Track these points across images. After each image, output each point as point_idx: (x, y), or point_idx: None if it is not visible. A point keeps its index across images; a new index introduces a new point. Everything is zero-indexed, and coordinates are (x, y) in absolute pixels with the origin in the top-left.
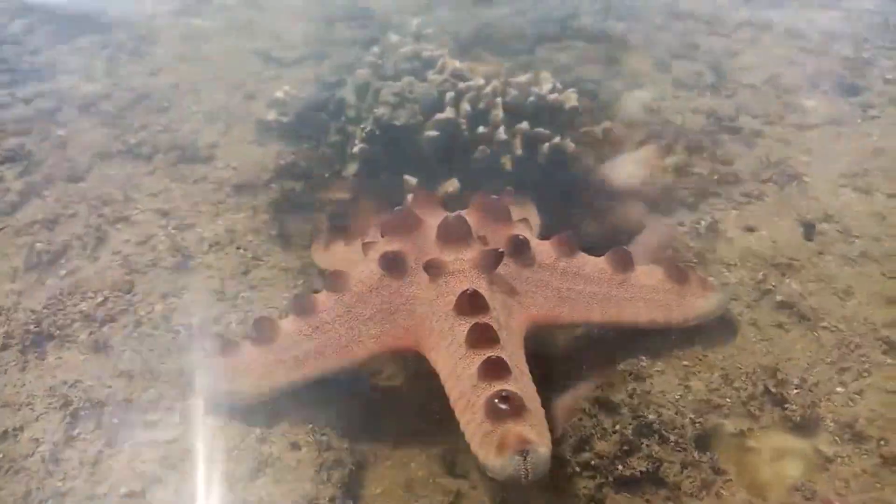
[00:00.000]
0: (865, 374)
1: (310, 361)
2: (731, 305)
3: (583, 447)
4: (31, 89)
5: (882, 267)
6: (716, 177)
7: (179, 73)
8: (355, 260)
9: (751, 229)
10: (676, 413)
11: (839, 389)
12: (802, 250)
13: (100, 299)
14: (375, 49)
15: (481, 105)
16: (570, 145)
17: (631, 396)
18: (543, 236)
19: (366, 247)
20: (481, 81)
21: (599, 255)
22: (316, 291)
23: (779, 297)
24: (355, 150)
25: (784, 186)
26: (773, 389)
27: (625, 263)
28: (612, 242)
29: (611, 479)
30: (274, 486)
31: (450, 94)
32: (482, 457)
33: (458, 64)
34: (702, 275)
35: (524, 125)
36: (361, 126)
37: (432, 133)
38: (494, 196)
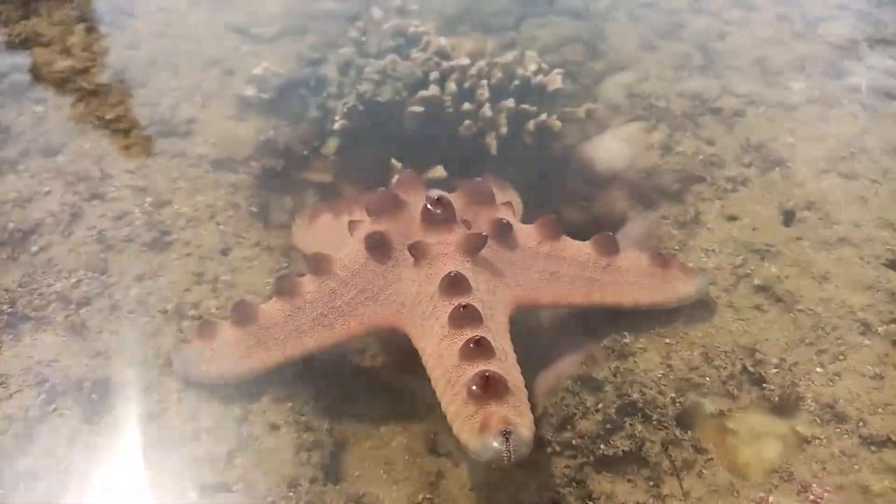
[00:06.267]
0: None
1: (291, 342)
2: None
3: (565, 426)
4: (5, 62)
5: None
6: (701, 157)
7: (157, 48)
8: (340, 238)
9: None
10: (659, 392)
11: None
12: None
13: (74, 280)
14: (360, 24)
15: (467, 85)
16: (557, 123)
17: (615, 375)
18: (526, 220)
19: (352, 225)
20: (466, 61)
21: (584, 241)
22: (301, 275)
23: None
24: (336, 126)
25: (766, 172)
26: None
27: (610, 248)
28: (597, 229)
29: (592, 458)
30: (252, 467)
31: (434, 74)
32: (464, 438)
33: (442, 41)
34: (682, 260)
35: (509, 102)
36: (343, 101)
37: (416, 108)
38: (478, 178)
